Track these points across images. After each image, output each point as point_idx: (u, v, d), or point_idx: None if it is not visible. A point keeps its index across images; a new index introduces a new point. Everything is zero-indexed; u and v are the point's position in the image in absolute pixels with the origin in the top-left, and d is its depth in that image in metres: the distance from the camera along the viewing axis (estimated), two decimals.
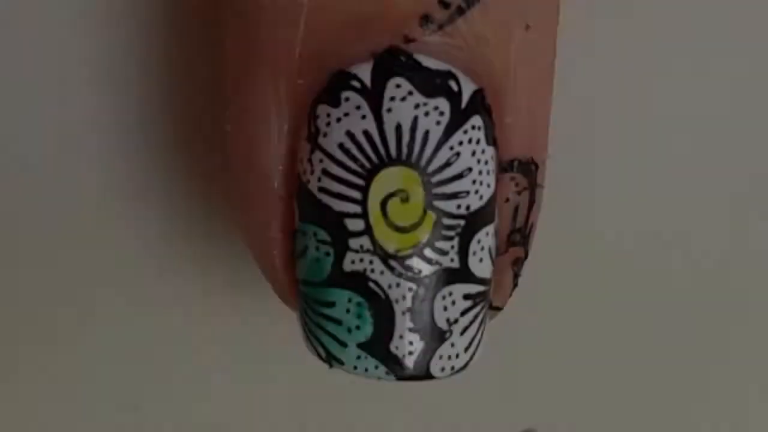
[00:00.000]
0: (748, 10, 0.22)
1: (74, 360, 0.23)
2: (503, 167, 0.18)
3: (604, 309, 0.24)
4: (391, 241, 0.17)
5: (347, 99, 0.17)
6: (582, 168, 0.22)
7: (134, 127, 0.21)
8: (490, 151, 0.17)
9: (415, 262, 0.17)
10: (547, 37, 0.18)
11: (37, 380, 0.24)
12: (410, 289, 0.17)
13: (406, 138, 0.17)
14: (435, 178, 0.17)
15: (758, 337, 0.24)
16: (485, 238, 0.18)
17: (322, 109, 0.17)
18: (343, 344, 0.18)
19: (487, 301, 0.18)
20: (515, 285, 0.19)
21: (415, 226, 0.17)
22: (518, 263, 0.19)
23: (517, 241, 0.19)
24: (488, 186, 0.17)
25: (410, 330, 0.17)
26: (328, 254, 0.17)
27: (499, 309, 0.20)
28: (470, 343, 0.18)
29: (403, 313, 0.17)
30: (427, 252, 0.17)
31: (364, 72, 0.17)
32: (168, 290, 0.23)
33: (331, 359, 0.18)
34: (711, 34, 0.22)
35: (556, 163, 0.19)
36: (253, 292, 0.22)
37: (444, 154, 0.17)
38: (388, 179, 0.17)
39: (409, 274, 0.17)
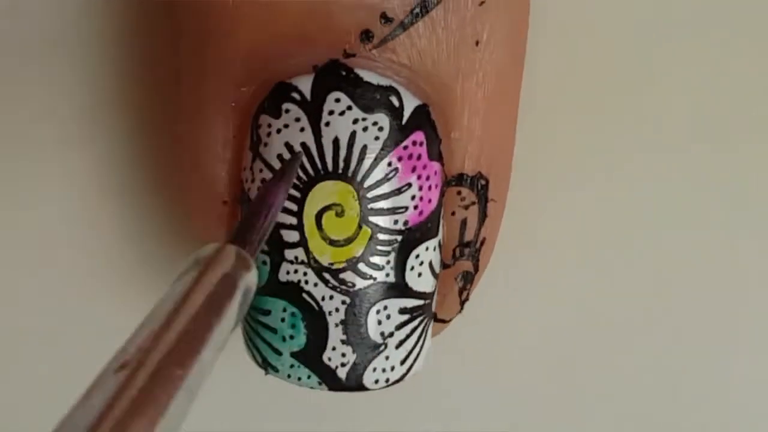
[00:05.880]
0: None
1: (74, 360, 0.23)
2: (449, 181, 0.18)
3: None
4: (325, 254, 0.17)
5: (287, 111, 0.17)
6: None
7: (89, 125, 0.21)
8: (433, 166, 0.17)
9: (349, 276, 0.17)
10: (503, 54, 0.18)
11: (37, 380, 0.24)
12: (344, 302, 0.17)
13: (343, 152, 0.17)
14: (371, 193, 0.17)
15: None
16: (425, 253, 0.18)
17: (264, 119, 0.17)
18: (278, 352, 0.18)
19: (427, 315, 0.18)
20: (466, 299, 0.19)
21: (349, 240, 0.17)
22: (467, 277, 0.19)
23: (464, 254, 0.19)
24: (429, 201, 0.17)
25: (343, 342, 0.17)
26: (265, 263, 0.17)
27: (445, 321, 0.19)
28: (407, 357, 0.18)
29: (336, 325, 0.17)
30: (362, 266, 0.17)
31: (305, 84, 0.17)
32: (151, 288, 0.23)
33: (267, 366, 0.18)
34: None
35: None
36: None
37: (382, 170, 0.17)
38: (324, 193, 0.17)
39: (343, 287, 0.17)
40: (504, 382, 0.24)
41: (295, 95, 0.17)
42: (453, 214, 0.18)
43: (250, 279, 0.13)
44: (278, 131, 0.17)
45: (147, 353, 0.11)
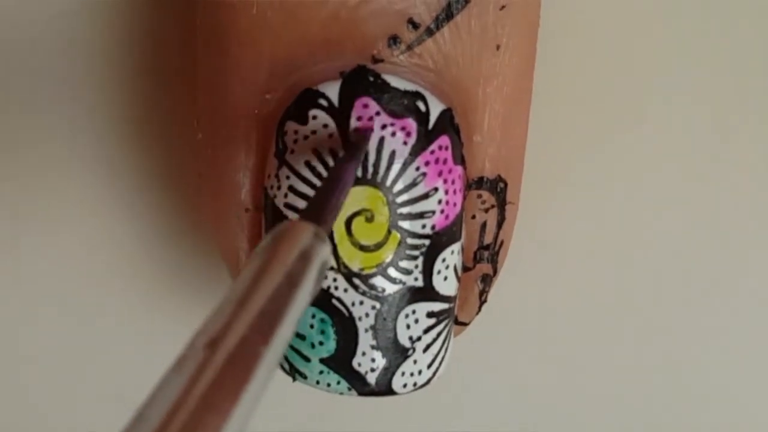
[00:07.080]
0: None
1: (74, 360, 0.23)
2: (470, 184, 0.18)
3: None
4: (355, 260, 0.17)
5: (315, 117, 0.17)
6: None
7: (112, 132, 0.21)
8: (457, 170, 0.17)
9: (379, 281, 0.17)
10: (519, 58, 0.18)
11: (37, 380, 0.24)
12: (373, 307, 0.17)
13: (372, 158, 0.17)
14: (400, 198, 0.17)
15: None
16: (450, 257, 0.18)
17: (290, 126, 0.17)
18: (306, 359, 0.18)
19: (451, 318, 0.18)
20: (484, 301, 0.20)
21: (379, 246, 0.17)
22: (486, 280, 0.19)
23: (484, 257, 0.19)
24: (455, 205, 0.18)
25: (373, 347, 0.17)
26: None
27: (465, 324, 0.20)
28: (433, 360, 0.18)
29: (366, 331, 0.17)
30: (391, 271, 0.17)
31: (332, 91, 0.17)
32: (168, 291, 0.23)
33: (294, 373, 0.18)
34: None
35: None
36: None
37: (410, 175, 0.17)
38: (354, 198, 0.17)
39: (373, 292, 0.17)
40: (512, 382, 0.24)
41: (323, 101, 0.17)
42: (473, 217, 0.19)
43: (326, 253, 0.13)
44: (305, 138, 0.17)
45: (232, 330, 0.11)
